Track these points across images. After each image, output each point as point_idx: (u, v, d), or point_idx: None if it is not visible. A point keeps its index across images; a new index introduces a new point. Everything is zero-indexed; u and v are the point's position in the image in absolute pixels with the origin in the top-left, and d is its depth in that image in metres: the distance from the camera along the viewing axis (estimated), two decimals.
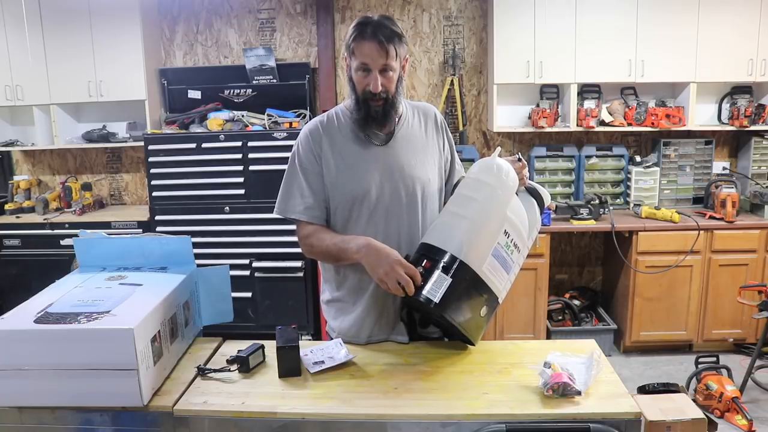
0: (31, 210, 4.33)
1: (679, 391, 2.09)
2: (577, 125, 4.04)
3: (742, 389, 3.20)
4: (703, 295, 3.78)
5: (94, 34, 4.07)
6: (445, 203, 1.91)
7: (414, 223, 1.75)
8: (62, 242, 4.03)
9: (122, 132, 4.37)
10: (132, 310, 1.46)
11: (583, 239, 4.45)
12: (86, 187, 4.45)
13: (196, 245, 1.82)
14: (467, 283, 1.53)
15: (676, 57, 3.89)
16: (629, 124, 4.10)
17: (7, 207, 4.31)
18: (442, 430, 1.37)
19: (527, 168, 1.74)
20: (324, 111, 1.86)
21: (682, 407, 1.41)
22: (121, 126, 4.36)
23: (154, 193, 3.96)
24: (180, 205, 3.94)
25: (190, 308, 1.77)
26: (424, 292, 1.51)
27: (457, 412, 1.37)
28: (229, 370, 1.58)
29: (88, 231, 1.88)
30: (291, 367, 1.56)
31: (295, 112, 4.12)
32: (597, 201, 3.88)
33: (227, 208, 3.92)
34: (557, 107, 4.15)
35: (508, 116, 4.29)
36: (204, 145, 3.88)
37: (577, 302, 4.09)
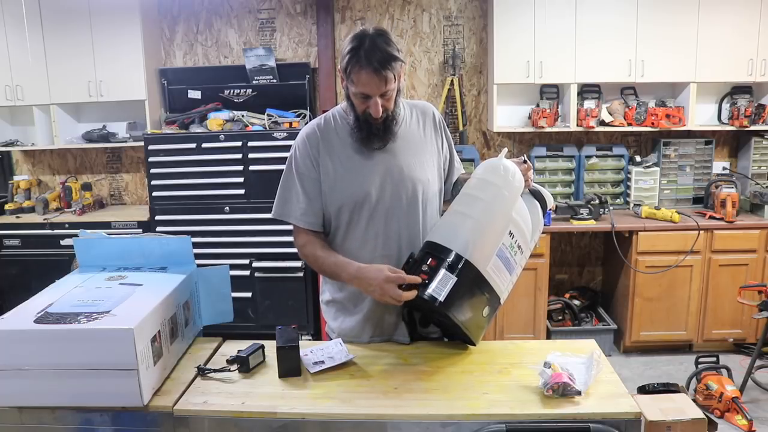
0: (31, 210, 4.33)
1: (679, 391, 2.09)
2: (577, 125, 4.04)
3: (742, 389, 3.20)
4: (703, 295, 3.78)
5: (94, 34, 4.07)
6: (444, 201, 1.91)
7: (414, 225, 1.75)
8: (62, 242, 4.02)
9: (122, 132, 4.37)
10: (132, 310, 1.46)
11: (583, 239, 4.45)
12: (86, 187, 4.45)
13: (196, 245, 1.82)
14: (471, 282, 1.54)
15: (676, 57, 3.89)
16: (629, 124, 4.10)
17: (7, 207, 4.31)
18: (442, 430, 1.37)
19: (532, 170, 1.75)
20: (324, 111, 1.86)
21: (682, 407, 1.41)
22: (121, 126, 4.36)
23: (154, 193, 3.96)
24: (180, 205, 3.94)
25: (190, 308, 1.77)
26: (429, 290, 1.52)
27: (457, 412, 1.37)
28: (229, 370, 1.58)
29: (88, 231, 1.88)
30: (291, 367, 1.56)
31: (295, 112, 4.12)
32: (597, 201, 3.88)
33: (227, 208, 3.92)
34: (557, 107, 4.15)
35: (508, 116, 4.29)
36: (204, 145, 3.88)
37: (577, 302, 4.09)
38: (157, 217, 3.96)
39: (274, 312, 3.97)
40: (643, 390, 2.45)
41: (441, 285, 1.51)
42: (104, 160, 4.64)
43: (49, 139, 4.31)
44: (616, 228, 3.73)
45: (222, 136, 3.88)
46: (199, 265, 1.82)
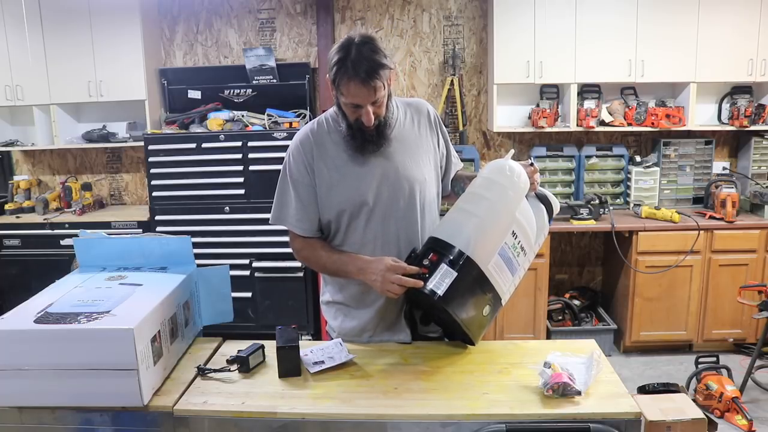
0: (31, 210, 4.33)
1: (679, 391, 2.09)
2: (577, 125, 4.04)
3: (742, 389, 3.20)
4: (703, 295, 3.78)
5: (94, 34, 4.07)
6: (443, 197, 1.91)
7: (412, 226, 1.75)
8: (62, 242, 4.02)
9: (122, 132, 4.37)
10: (132, 310, 1.46)
11: (583, 239, 4.45)
12: (86, 187, 4.45)
13: (196, 245, 1.82)
14: (472, 279, 1.55)
15: (676, 57, 3.89)
16: (629, 124, 4.10)
17: (7, 207, 4.31)
18: (442, 430, 1.37)
19: (539, 173, 1.76)
20: (324, 111, 1.86)
21: (682, 407, 1.41)
22: (121, 126, 4.36)
23: (154, 193, 3.96)
24: (180, 205, 3.94)
25: (190, 308, 1.77)
26: (429, 284, 1.53)
27: (457, 412, 1.37)
28: (229, 370, 1.58)
29: (88, 231, 1.88)
30: (291, 367, 1.56)
31: (295, 112, 4.12)
32: (597, 201, 3.88)
33: (227, 208, 3.92)
34: (557, 107, 4.15)
35: (508, 116, 4.29)
36: (204, 145, 3.88)
37: (577, 302, 4.09)
38: (157, 217, 3.96)
39: (274, 312, 3.97)
40: (643, 390, 2.45)
41: (441, 279, 1.52)
42: (104, 160, 4.64)
43: (49, 139, 4.31)
44: (616, 228, 3.73)
45: (222, 136, 3.88)
46: (199, 265, 1.82)
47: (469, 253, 1.54)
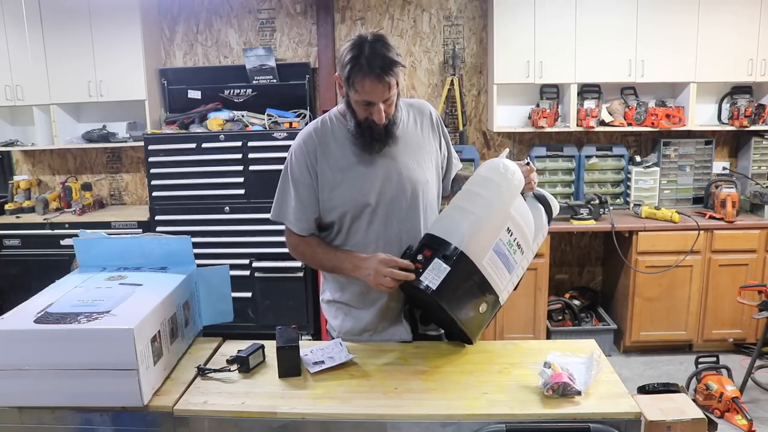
0: (31, 210, 4.33)
1: (679, 391, 2.09)
2: (577, 125, 4.04)
3: (742, 389, 3.20)
4: (703, 295, 3.78)
5: (94, 34, 4.07)
6: (443, 197, 1.92)
7: (414, 227, 1.75)
8: (62, 242, 4.02)
9: (122, 132, 4.37)
10: (132, 310, 1.46)
11: (583, 239, 4.45)
12: (86, 187, 4.45)
13: (196, 245, 1.82)
14: (466, 274, 1.55)
15: (676, 57, 3.89)
16: (629, 124, 4.10)
17: (7, 207, 4.31)
18: (442, 430, 1.37)
19: (535, 172, 1.76)
20: (324, 111, 1.86)
21: (682, 407, 1.41)
22: (121, 126, 4.36)
23: (154, 193, 3.96)
24: (180, 205, 3.94)
25: (190, 308, 1.77)
26: (422, 278, 1.54)
27: (457, 412, 1.37)
28: (229, 370, 1.58)
29: (88, 231, 1.88)
30: (291, 367, 1.56)
31: (295, 112, 4.12)
32: (597, 201, 3.88)
33: (227, 208, 3.92)
34: (557, 107, 4.15)
35: (508, 116, 4.29)
36: (204, 145, 3.88)
37: (577, 302, 4.09)
38: (157, 217, 3.96)
39: (274, 312, 3.97)
40: (643, 390, 2.46)
41: (434, 274, 1.53)
42: (104, 160, 4.64)
43: (49, 139, 4.31)
44: (616, 228, 3.73)
45: (222, 136, 3.88)
46: (199, 265, 1.82)
47: (462, 248, 1.54)
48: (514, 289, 1.71)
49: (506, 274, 1.63)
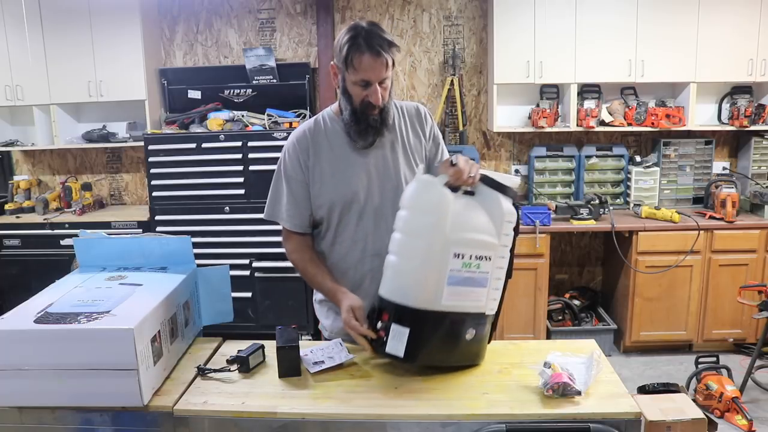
0: (31, 210, 4.33)
1: (679, 391, 2.09)
2: (577, 125, 4.04)
3: (742, 389, 3.20)
4: (703, 295, 3.78)
5: (94, 34, 4.06)
6: None
7: None
8: (62, 242, 4.02)
9: (122, 132, 4.37)
10: (132, 310, 1.46)
11: (583, 239, 4.45)
12: (86, 187, 4.45)
13: (196, 245, 1.82)
14: (430, 325, 1.46)
15: (676, 57, 3.89)
16: (629, 124, 4.10)
17: (7, 207, 4.31)
18: (442, 430, 1.37)
19: (472, 166, 1.52)
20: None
21: (682, 407, 1.41)
22: (121, 126, 4.36)
23: (154, 193, 3.96)
24: (180, 205, 3.94)
25: (190, 308, 1.77)
26: (387, 348, 1.48)
27: (457, 412, 1.37)
28: (229, 370, 1.58)
29: (88, 231, 1.88)
30: (291, 367, 1.56)
31: (295, 112, 4.12)
32: (597, 201, 3.88)
33: (227, 208, 3.92)
34: (557, 107, 4.15)
35: (508, 116, 4.29)
36: (204, 145, 3.88)
37: (577, 302, 4.09)
38: (157, 217, 3.96)
39: (274, 312, 3.97)
40: (643, 390, 2.45)
41: (397, 341, 1.45)
42: (104, 160, 4.64)
43: (49, 139, 4.31)
44: (616, 228, 3.73)
45: (222, 136, 3.88)
46: (199, 265, 1.82)
47: (412, 304, 1.45)
48: (505, 285, 1.60)
49: (479, 291, 1.51)
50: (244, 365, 1.58)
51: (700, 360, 3.34)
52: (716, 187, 3.92)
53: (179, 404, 1.44)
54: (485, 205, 1.52)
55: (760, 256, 3.73)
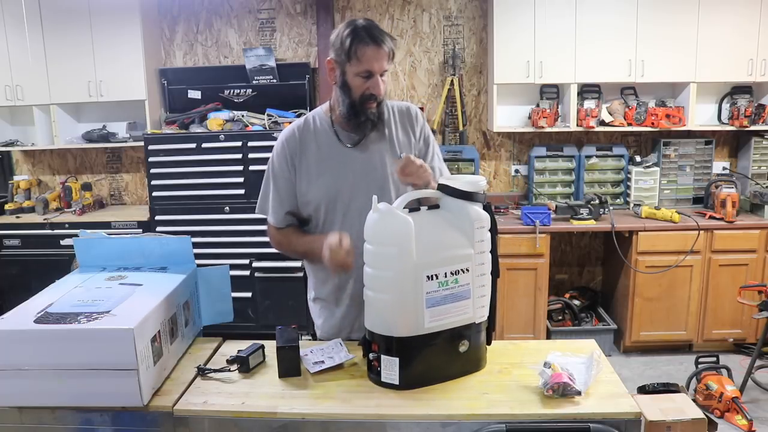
0: (31, 210, 4.33)
1: (679, 391, 2.09)
2: (577, 125, 4.04)
3: (742, 389, 3.20)
4: (703, 295, 3.78)
5: (94, 34, 4.07)
6: None
7: None
8: (62, 242, 4.02)
9: (122, 132, 4.37)
10: (132, 310, 1.46)
11: (583, 239, 4.45)
12: (86, 187, 4.45)
13: (196, 245, 1.83)
14: (419, 348, 1.46)
15: (676, 57, 3.89)
16: (629, 124, 4.10)
17: (7, 207, 4.31)
18: (442, 430, 1.37)
19: (420, 168, 1.57)
20: None
21: (682, 407, 1.41)
22: (121, 126, 4.36)
23: (154, 193, 3.96)
24: (180, 205, 3.94)
25: (190, 308, 1.77)
26: (383, 378, 1.48)
27: (457, 412, 1.37)
28: (229, 370, 1.58)
29: (88, 231, 1.88)
30: (291, 367, 1.56)
31: (295, 112, 4.12)
32: (597, 201, 3.88)
33: (227, 208, 3.92)
34: (557, 107, 4.15)
35: (508, 116, 4.29)
36: (204, 145, 3.88)
37: (577, 302, 4.09)
38: (157, 217, 3.96)
39: (274, 312, 3.97)
40: (643, 390, 2.44)
41: (389, 369, 1.46)
42: (104, 160, 4.64)
43: (49, 139, 4.31)
44: (616, 228, 3.73)
45: (222, 136, 3.88)
46: (199, 265, 1.82)
47: (396, 334, 1.45)
48: (495, 285, 1.57)
49: (463, 303, 1.49)
50: (244, 365, 1.58)
51: (700, 360, 3.34)
52: (716, 187, 3.92)
53: (179, 404, 1.44)
54: (452, 217, 1.49)
55: (760, 256, 3.73)
